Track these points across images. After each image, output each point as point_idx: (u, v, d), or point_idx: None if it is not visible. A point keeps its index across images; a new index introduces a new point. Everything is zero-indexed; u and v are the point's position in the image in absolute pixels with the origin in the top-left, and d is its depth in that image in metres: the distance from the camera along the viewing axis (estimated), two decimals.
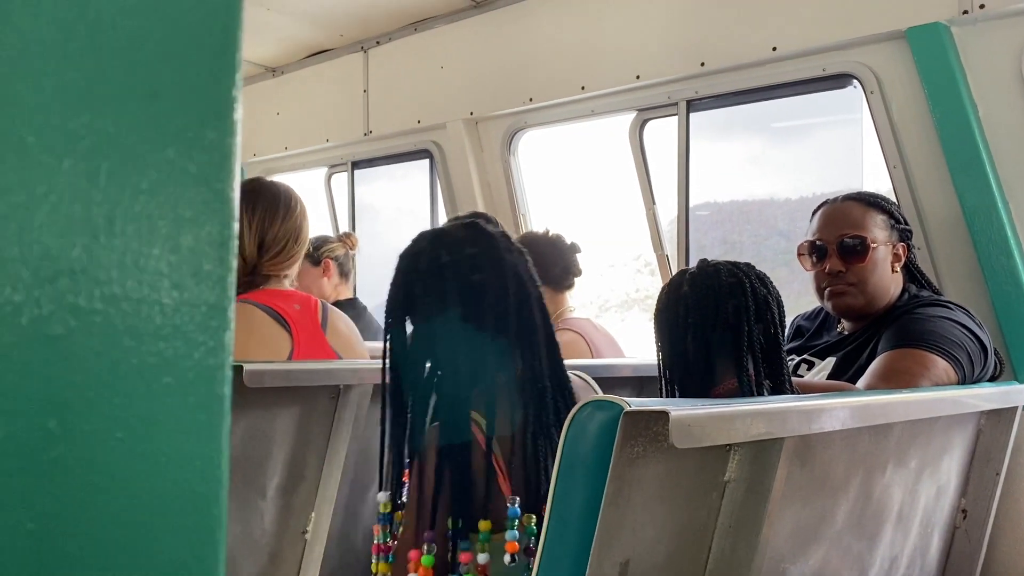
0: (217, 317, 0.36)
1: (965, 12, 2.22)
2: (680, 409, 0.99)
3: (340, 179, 4.22)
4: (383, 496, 1.44)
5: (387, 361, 1.45)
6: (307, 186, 4.43)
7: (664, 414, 0.97)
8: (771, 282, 1.67)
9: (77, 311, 0.32)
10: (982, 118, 2.25)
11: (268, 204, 2.01)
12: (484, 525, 1.30)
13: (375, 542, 1.44)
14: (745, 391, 1.56)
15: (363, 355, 2.17)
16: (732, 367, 1.59)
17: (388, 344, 1.44)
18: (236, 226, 0.37)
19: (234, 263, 0.36)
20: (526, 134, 3.47)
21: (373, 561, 1.43)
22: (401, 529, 1.40)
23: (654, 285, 3.74)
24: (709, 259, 1.71)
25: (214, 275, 0.36)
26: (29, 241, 0.32)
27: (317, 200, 4.32)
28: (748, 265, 1.67)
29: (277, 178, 4.59)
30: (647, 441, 1.03)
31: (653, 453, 1.05)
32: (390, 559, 1.40)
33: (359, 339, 2.20)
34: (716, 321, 1.60)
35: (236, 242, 0.37)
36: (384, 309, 1.47)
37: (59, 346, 0.32)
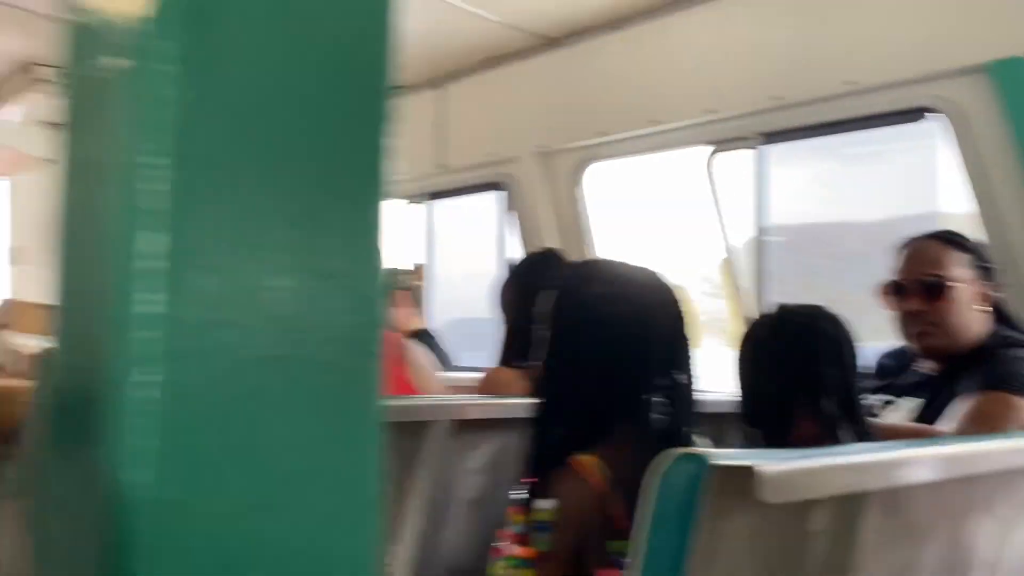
0: (370, 354, 0.39)
1: None
2: (766, 464, 1.00)
3: (418, 211, 4.32)
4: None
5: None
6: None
7: (750, 469, 0.98)
8: (844, 324, 1.69)
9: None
10: None
11: None
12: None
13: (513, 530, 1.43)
14: (824, 435, 1.58)
15: (439, 388, 2.23)
16: (809, 411, 1.61)
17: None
18: (384, 276, 0.41)
19: (382, 287, 0.40)
20: (601, 165, 3.50)
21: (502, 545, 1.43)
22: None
23: (722, 309, 3.71)
24: (786, 303, 1.73)
25: (367, 317, 0.40)
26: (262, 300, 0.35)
27: (396, 231, 4.43)
28: (822, 308, 1.70)
29: None
30: (733, 494, 1.04)
31: (740, 506, 1.05)
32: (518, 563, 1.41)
33: (434, 370, 2.26)
34: (792, 366, 1.63)
35: (384, 290, 0.41)
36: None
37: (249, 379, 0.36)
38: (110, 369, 0.35)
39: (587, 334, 1.44)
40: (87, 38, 0.40)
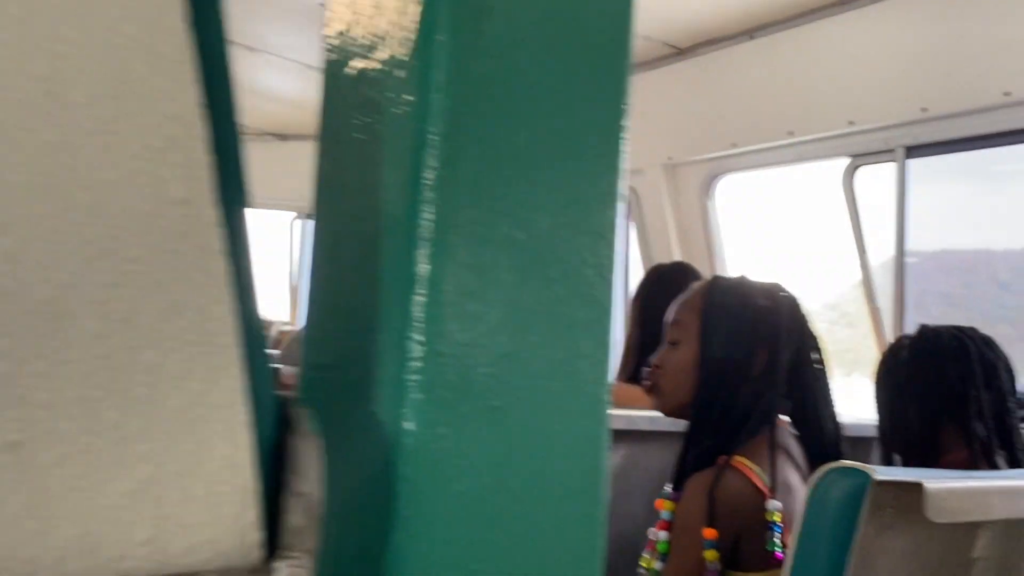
0: (599, 369, 0.40)
1: None
2: (935, 482, 0.95)
3: None
4: None
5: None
6: None
7: (918, 486, 0.93)
8: (998, 346, 1.60)
9: (511, 388, 0.37)
10: None
11: None
12: None
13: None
14: (978, 462, 1.49)
15: None
16: (960, 437, 1.53)
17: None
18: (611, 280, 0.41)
19: (611, 295, 0.41)
20: (731, 178, 3.44)
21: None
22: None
23: (852, 339, 3.57)
24: (929, 324, 1.65)
25: (594, 334, 0.40)
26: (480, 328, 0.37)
27: None
28: (972, 329, 1.61)
29: None
30: (895, 513, 0.99)
31: (901, 525, 1.00)
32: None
33: None
34: (940, 388, 1.55)
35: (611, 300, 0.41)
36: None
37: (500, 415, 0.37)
38: (385, 332, 0.37)
39: (738, 342, 1.45)
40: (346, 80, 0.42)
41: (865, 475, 0.98)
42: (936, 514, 0.93)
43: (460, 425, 0.36)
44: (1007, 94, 2.44)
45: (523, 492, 0.38)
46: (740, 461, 1.38)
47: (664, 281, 2.49)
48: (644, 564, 1.47)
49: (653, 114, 3.54)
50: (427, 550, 0.36)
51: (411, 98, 0.38)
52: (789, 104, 3.02)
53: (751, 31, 3.14)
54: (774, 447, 1.39)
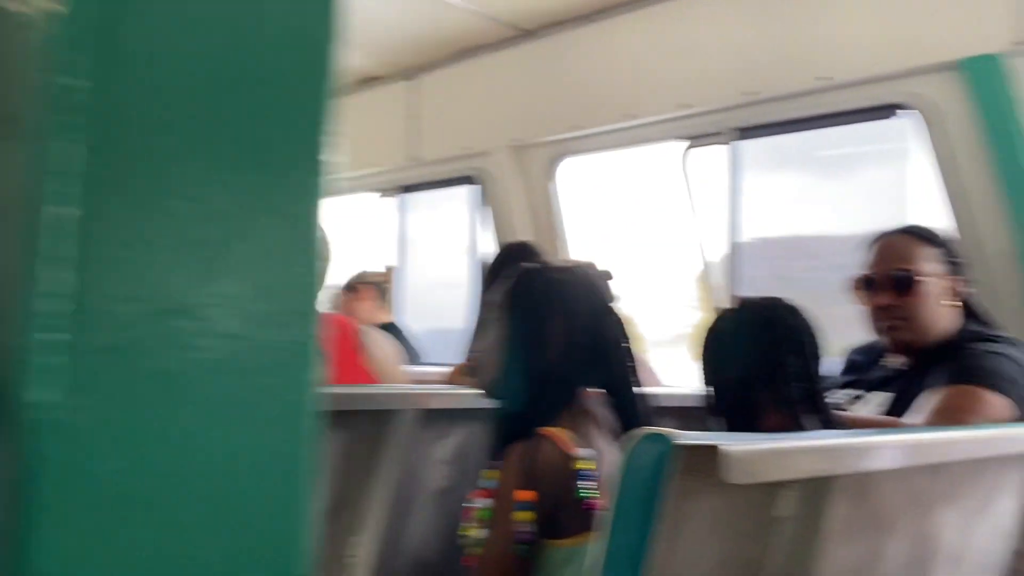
0: (304, 352, 0.37)
1: (1019, 43, 2.19)
2: (731, 444, 0.98)
3: (389, 204, 4.28)
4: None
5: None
6: (357, 211, 4.50)
7: (714, 449, 0.97)
8: (805, 315, 1.70)
9: (185, 347, 0.34)
10: None
11: None
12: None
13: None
14: (788, 425, 1.58)
15: (400, 377, 2.21)
16: (772, 401, 1.61)
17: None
18: (319, 264, 0.38)
19: (318, 300, 0.38)
20: (572, 160, 3.49)
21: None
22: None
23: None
24: (746, 296, 1.76)
25: (300, 312, 0.37)
26: (144, 281, 0.33)
27: (367, 225, 4.39)
28: (783, 299, 1.71)
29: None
30: (699, 476, 1.02)
31: (705, 488, 1.04)
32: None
33: (397, 361, 2.23)
34: (753, 355, 1.63)
35: (320, 282, 0.39)
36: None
37: (167, 380, 0.33)
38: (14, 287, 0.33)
39: (548, 316, 1.51)
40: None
41: (668, 440, 1.00)
42: (731, 475, 0.97)
43: (109, 395, 0.33)
44: (824, 79, 2.59)
45: (193, 475, 0.35)
46: (552, 430, 1.43)
47: (509, 260, 2.50)
48: (463, 531, 1.50)
49: (499, 96, 3.56)
50: (66, 538, 0.32)
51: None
52: (628, 87, 3.10)
53: (591, 14, 3.19)
54: (581, 417, 1.46)
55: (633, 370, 1.59)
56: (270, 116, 0.38)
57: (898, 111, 2.51)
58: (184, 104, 0.36)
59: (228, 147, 0.37)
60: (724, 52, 2.83)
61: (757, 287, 3.03)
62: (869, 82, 2.52)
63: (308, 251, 0.38)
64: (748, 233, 3.06)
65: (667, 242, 3.63)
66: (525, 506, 1.36)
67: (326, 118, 0.40)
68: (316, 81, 0.39)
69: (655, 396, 2.37)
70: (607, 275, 2.82)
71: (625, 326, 1.60)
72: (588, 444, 1.43)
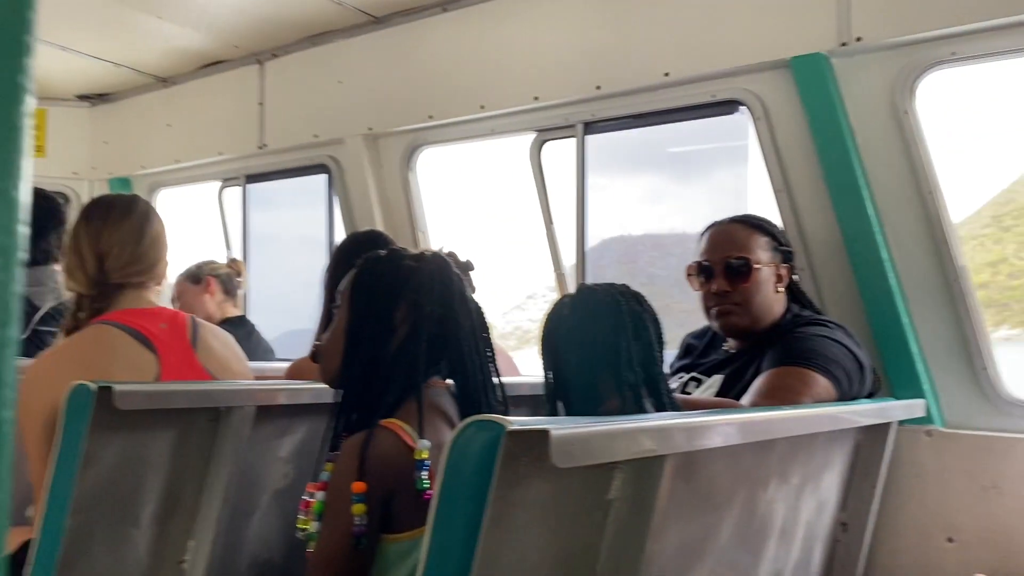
0: None
1: (844, 44, 2.33)
2: (561, 428, 0.98)
3: (234, 193, 4.10)
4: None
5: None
6: (200, 201, 4.29)
7: (545, 433, 0.96)
8: (646, 301, 1.73)
9: None
10: (860, 145, 2.36)
11: (101, 212, 1.96)
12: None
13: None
14: (627, 409, 1.60)
15: (243, 374, 2.09)
16: (613, 385, 1.63)
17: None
18: (21, 233, 0.33)
19: (17, 276, 0.33)
20: (430, 150, 3.45)
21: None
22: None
23: None
24: (588, 283, 1.76)
25: None
26: None
27: (212, 215, 4.19)
28: (625, 286, 1.73)
29: (166, 191, 4.44)
30: (530, 461, 1.02)
31: (536, 473, 1.03)
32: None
33: (238, 357, 2.11)
34: (595, 341, 1.65)
35: (20, 253, 0.34)
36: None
37: None
38: None
39: (391, 305, 1.44)
40: None
41: (500, 426, 0.99)
42: (562, 459, 0.97)
43: None
44: (667, 75, 2.66)
45: None
46: (392, 422, 1.39)
47: (358, 250, 2.44)
48: (301, 525, 1.45)
49: (352, 83, 3.47)
50: None
51: None
52: (481, 78, 3.09)
53: (443, 3, 3.17)
54: (423, 408, 1.41)
55: (490, 360, 1.55)
56: None
57: (740, 107, 2.61)
58: None
59: None
60: (573, 46, 2.86)
61: (607, 278, 3.09)
62: (707, 79, 2.61)
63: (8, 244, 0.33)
64: (599, 227, 3.12)
65: (526, 235, 3.65)
66: (359, 499, 1.32)
67: (24, 74, 0.34)
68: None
69: (512, 386, 2.38)
70: (468, 266, 2.79)
71: (482, 316, 1.57)
72: (430, 436, 1.39)
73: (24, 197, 0.34)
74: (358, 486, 1.31)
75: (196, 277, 3.21)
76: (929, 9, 2.21)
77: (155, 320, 1.91)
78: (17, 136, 0.34)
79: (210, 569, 1.77)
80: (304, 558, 1.49)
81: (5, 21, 0.33)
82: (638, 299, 1.69)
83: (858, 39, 2.31)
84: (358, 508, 1.31)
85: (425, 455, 1.35)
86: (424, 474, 1.34)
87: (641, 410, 1.59)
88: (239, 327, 3.08)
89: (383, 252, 1.56)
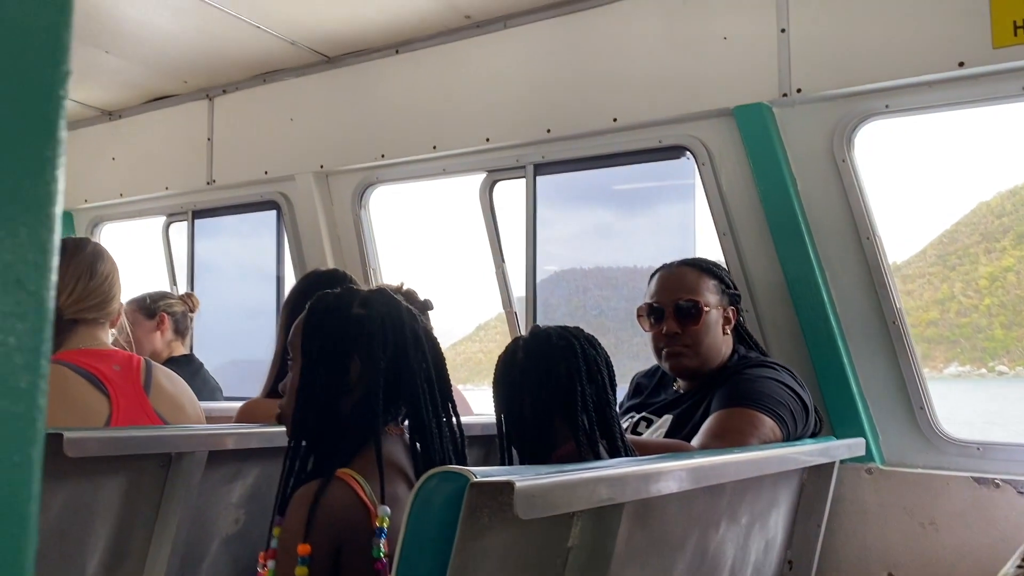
0: (29, 382, 0.33)
1: (784, 95, 2.42)
2: (525, 479, 1.00)
3: (180, 229, 4.04)
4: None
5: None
6: (145, 236, 4.23)
7: (510, 485, 0.98)
8: (600, 344, 1.73)
9: None
10: (801, 191, 2.45)
11: None
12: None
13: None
14: (583, 452, 1.60)
15: (194, 416, 2.07)
16: (568, 429, 1.62)
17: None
18: (54, 281, 0.34)
19: (49, 324, 0.34)
20: (381, 189, 3.47)
21: None
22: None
23: None
24: (541, 325, 1.76)
25: (27, 337, 0.33)
26: None
27: (158, 251, 4.12)
28: (578, 329, 1.73)
29: (110, 226, 4.36)
30: (492, 512, 1.03)
31: (499, 524, 1.05)
32: None
33: (190, 399, 2.08)
34: (549, 384, 1.64)
35: (53, 301, 0.35)
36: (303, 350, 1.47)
37: None
38: None
39: (331, 353, 1.43)
40: None
41: (464, 478, 1.00)
42: (526, 511, 0.98)
43: None
44: (615, 120, 2.73)
45: None
46: (347, 473, 1.36)
47: (314, 288, 2.42)
48: None
49: (304, 121, 3.48)
50: None
51: None
52: (433, 119, 3.12)
53: (396, 45, 3.20)
54: (381, 460, 1.37)
55: (446, 404, 1.51)
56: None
57: (686, 152, 2.69)
58: None
59: None
60: (525, 89, 2.92)
61: (557, 316, 3.13)
62: (654, 124, 2.69)
63: (37, 275, 0.34)
64: (549, 264, 3.16)
65: (477, 273, 3.67)
66: (304, 562, 1.26)
67: (57, 128, 0.36)
68: (44, 86, 0.36)
69: (465, 426, 2.38)
70: (427, 305, 2.76)
71: (440, 357, 1.53)
72: (383, 489, 1.35)
73: (55, 247, 0.35)
74: (303, 548, 1.26)
75: (151, 311, 3.14)
76: (864, 64, 2.32)
77: (108, 362, 1.89)
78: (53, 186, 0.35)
79: None
80: None
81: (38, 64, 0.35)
82: (591, 342, 1.70)
83: (798, 90, 2.41)
84: (301, 571, 1.26)
85: (386, 523, 1.30)
86: (382, 541, 1.30)
87: (596, 454, 1.61)
88: (186, 366, 3.03)
89: (330, 299, 1.49)
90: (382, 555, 1.27)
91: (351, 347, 1.43)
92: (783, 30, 2.43)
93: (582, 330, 1.72)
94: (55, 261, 0.36)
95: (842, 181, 2.41)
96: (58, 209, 0.36)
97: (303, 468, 1.41)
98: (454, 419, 1.50)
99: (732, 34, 2.51)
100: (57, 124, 0.36)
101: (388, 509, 1.31)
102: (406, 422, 1.51)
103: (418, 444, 1.46)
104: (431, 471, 1.02)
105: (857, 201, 2.39)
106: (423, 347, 1.49)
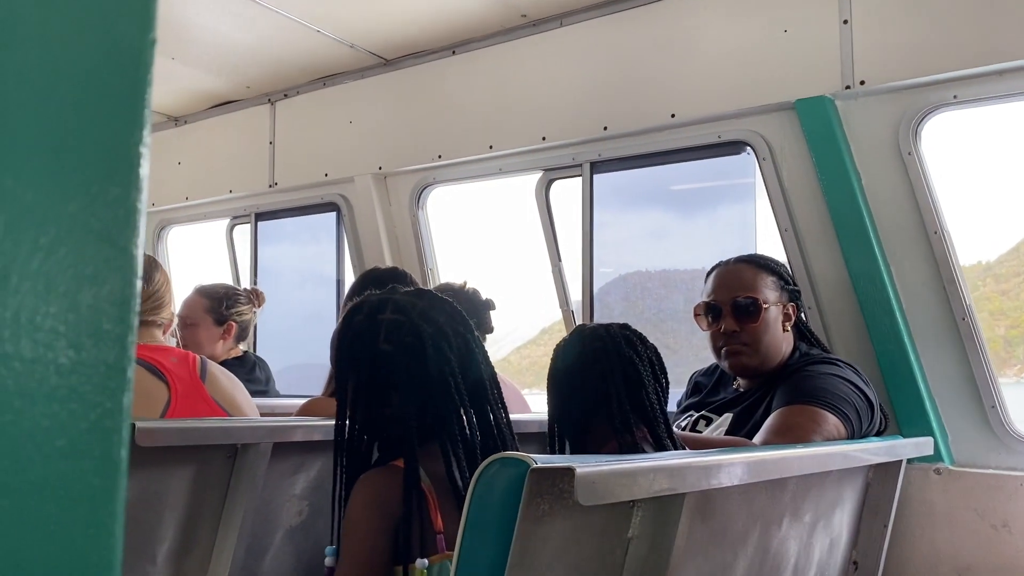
0: (115, 378, 0.34)
1: (848, 87, 2.38)
2: (585, 466, 1.00)
3: (243, 231, 4.14)
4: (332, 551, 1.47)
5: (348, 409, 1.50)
6: (210, 238, 4.34)
7: (570, 471, 0.98)
8: (646, 342, 1.69)
9: None
10: (865, 186, 2.40)
11: None
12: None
13: None
14: (625, 451, 1.58)
15: (249, 410, 2.13)
16: (612, 429, 1.61)
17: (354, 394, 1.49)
18: (139, 284, 0.36)
19: (135, 322, 0.36)
20: (438, 189, 3.50)
21: None
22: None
23: None
24: (584, 325, 1.75)
25: (113, 334, 0.35)
26: None
27: (220, 253, 4.23)
28: (622, 326, 1.70)
29: (176, 229, 4.48)
30: (553, 499, 1.03)
31: (560, 510, 1.05)
32: None
33: (244, 395, 2.14)
34: (585, 385, 1.64)
35: (138, 301, 0.37)
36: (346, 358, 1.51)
37: None
38: None
39: (378, 394, 1.47)
40: None
41: (524, 464, 1.01)
42: (586, 497, 0.98)
43: None
44: (673, 116, 2.71)
45: None
46: (398, 463, 1.43)
47: (378, 286, 2.45)
48: None
49: (362, 124, 3.53)
50: None
51: None
52: (489, 119, 3.14)
53: (453, 46, 3.23)
54: (445, 451, 1.43)
55: (497, 400, 1.53)
56: (83, 120, 0.36)
57: (746, 148, 2.66)
58: None
59: (38, 154, 0.34)
60: (581, 87, 2.92)
61: (614, 316, 3.11)
62: (713, 120, 2.66)
63: (125, 270, 0.36)
64: (606, 264, 3.15)
65: (539, 275, 3.67)
66: (374, 530, 1.34)
67: (144, 129, 0.37)
68: (133, 88, 0.37)
69: (521, 423, 2.38)
70: (488, 304, 2.77)
71: (487, 365, 1.54)
72: (431, 481, 1.42)
73: (140, 250, 0.36)
74: (369, 519, 1.34)
75: (221, 319, 3.20)
76: (931, 54, 2.26)
77: (166, 355, 1.96)
78: (137, 193, 0.36)
79: None
80: None
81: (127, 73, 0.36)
82: (631, 340, 1.66)
83: (861, 82, 2.36)
84: (376, 541, 1.33)
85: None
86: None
87: (639, 451, 1.59)
88: (239, 366, 3.10)
89: (356, 328, 1.48)
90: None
91: (384, 383, 1.46)
92: (845, 21, 2.38)
93: (628, 327, 1.69)
94: (143, 220, 0.37)
95: (908, 175, 2.35)
96: (144, 170, 0.37)
97: (361, 458, 1.46)
98: (501, 417, 1.51)
99: (793, 26, 2.47)
100: (146, 87, 0.37)
101: (426, 562, 1.34)
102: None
103: (473, 434, 1.49)
104: (492, 457, 1.03)
105: (924, 195, 2.33)
106: (453, 364, 1.47)
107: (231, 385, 2.06)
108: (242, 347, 3.39)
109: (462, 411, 1.47)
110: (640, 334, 1.69)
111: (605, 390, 1.60)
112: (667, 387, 1.69)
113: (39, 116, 0.34)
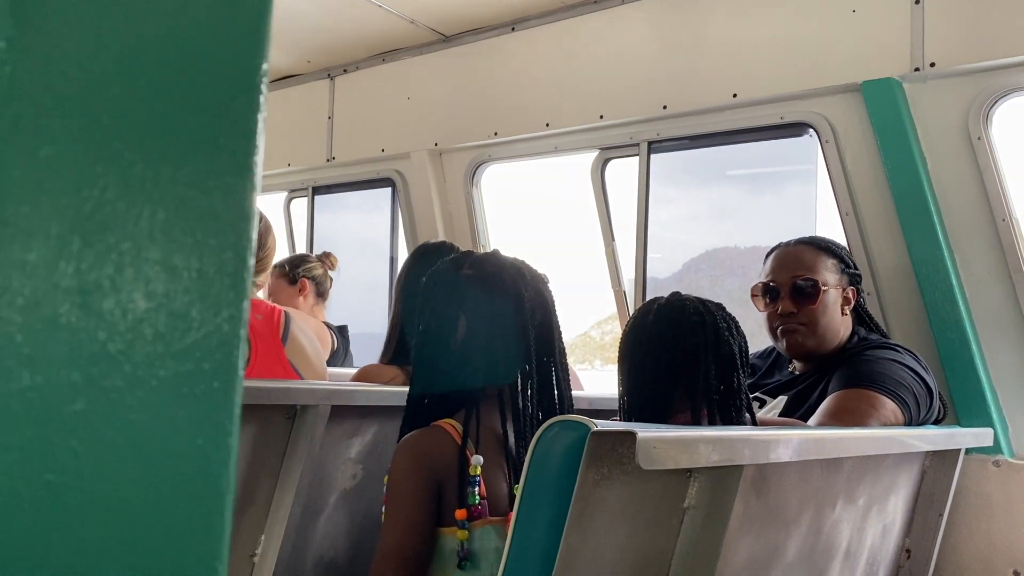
0: (231, 338, 0.36)
1: (917, 69, 2.32)
2: (646, 431, 1.01)
3: (300, 205, 4.20)
4: None
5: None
6: (268, 211, 4.41)
7: (631, 435, 0.99)
8: (739, 327, 1.67)
9: (103, 323, 0.33)
10: (931, 171, 2.35)
11: None
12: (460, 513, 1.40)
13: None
14: (696, 423, 1.58)
15: (322, 372, 2.17)
16: (686, 402, 1.60)
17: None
18: (254, 246, 0.38)
19: (249, 283, 0.37)
20: (492, 166, 3.51)
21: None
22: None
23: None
24: (682, 293, 1.71)
25: (229, 295, 0.37)
26: (50, 255, 0.32)
27: (278, 226, 4.30)
28: (719, 306, 1.67)
29: None
30: (612, 463, 1.04)
31: (618, 475, 1.06)
32: None
33: (320, 356, 2.19)
34: (675, 355, 1.62)
35: (252, 262, 0.38)
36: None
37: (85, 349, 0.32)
38: None
39: (454, 315, 1.52)
40: None
41: (585, 427, 1.02)
42: (646, 462, 0.99)
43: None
44: (735, 95, 2.68)
45: (104, 473, 0.33)
46: (447, 423, 1.46)
47: (428, 259, 2.48)
48: None
49: (420, 99, 3.55)
50: None
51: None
52: (546, 96, 3.14)
53: (512, 22, 3.23)
54: (479, 414, 1.47)
55: (561, 369, 1.57)
56: (199, 98, 0.38)
57: (808, 130, 2.62)
58: (103, 89, 0.35)
59: (156, 130, 0.36)
60: (640, 65, 2.90)
61: (664, 291, 3.09)
62: (775, 101, 2.63)
63: (239, 236, 0.38)
64: (660, 244, 3.13)
65: (590, 251, 3.67)
66: (420, 489, 1.37)
67: (257, 102, 0.39)
68: (247, 68, 0.39)
69: (577, 400, 2.40)
70: (543, 278, 2.77)
71: (553, 328, 1.58)
72: (478, 436, 1.45)
73: (255, 213, 0.38)
74: (415, 479, 1.37)
75: (292, 278, 3.29)
76: (1004, 35, 2.20)
77: (253, 311, 2.00)
78: (254, 157, 0.38)
79: (278, 565, 1.82)
80: (367, 560, 1.53)
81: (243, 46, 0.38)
82: (729, 322, 1.64)
83: (931, 64, 2.30)
84: (419, 501, 1.36)
85: (479, 471, 1.40)
86: (476, 489, 1.39)
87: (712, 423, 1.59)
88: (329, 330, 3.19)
89: (446, 262, 1.58)
90: (477, 501, 1.34)
91: (458, 307, 1.49)
92: (917, 1, 2.33)
93: (723, 308, 1.66)
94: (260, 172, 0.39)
95: (977, 160, 2.29)
96: (261, 122, 0.39)
97: (417, 412, 1.49)
98: (562, 386, 1.53)
99: (863, 6, 2.42)
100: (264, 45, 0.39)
101: (481, 459, 1.38)
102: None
103: (513, 404, 1.51)
104: (552, 419, 1.04)
105: (993, 181, 2.27)
106: (526, 311, 1.54)
107: (311, 347, 2.11)
108: (324, 313, 3.44)
109: (528, 367, 1.49)
110: (734, 317, 1.66)
111: (695, 358, 1.58)
112: (747, 369, 1.66)
113: (158, 81, 0.35)
